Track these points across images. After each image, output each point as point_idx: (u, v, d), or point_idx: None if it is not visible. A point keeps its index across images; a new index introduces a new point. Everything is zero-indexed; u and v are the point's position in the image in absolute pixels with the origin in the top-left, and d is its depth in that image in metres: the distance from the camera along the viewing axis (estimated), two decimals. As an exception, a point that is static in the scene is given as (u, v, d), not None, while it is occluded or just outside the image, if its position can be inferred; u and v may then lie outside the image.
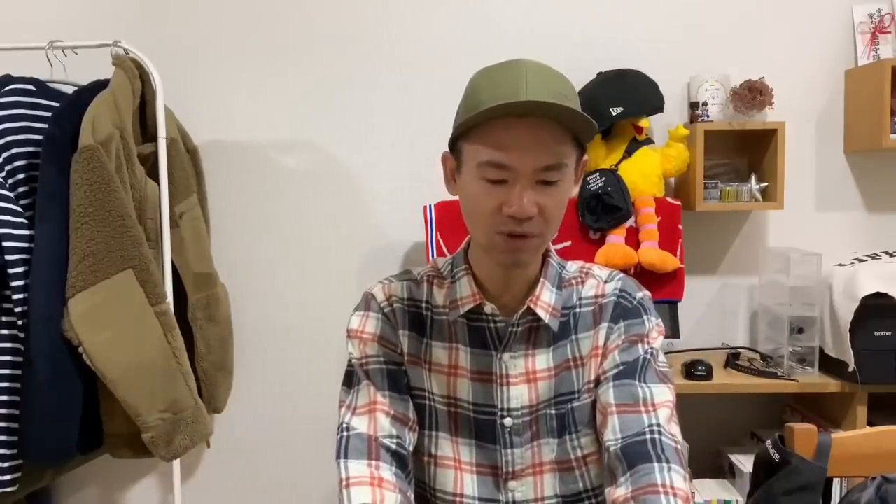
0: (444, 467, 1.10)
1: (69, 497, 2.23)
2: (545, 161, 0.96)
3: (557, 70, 0.99)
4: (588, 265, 1.15)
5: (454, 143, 1.03)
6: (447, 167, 1.07)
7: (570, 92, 0.98)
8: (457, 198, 1.07)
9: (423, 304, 1.12)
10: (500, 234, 0.99)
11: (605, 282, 1.12)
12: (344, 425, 1.08)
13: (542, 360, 1.08)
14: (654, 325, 1.09)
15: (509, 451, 1.08)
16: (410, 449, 1.09)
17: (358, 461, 1.03)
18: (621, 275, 1.13)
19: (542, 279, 1.09)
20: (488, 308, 1.08)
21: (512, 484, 1.09)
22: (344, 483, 1.02)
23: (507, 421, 1.08)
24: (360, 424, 1.07)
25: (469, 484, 1.09)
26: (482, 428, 1.09)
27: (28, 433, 1.70)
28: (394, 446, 1.06)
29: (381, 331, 1.11)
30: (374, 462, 1.03)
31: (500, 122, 0.95)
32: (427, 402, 1.11)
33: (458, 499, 1.09)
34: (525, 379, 1.08)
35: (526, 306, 1.07)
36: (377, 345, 1.10)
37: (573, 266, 1.15)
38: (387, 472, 1.03)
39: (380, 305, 1.12)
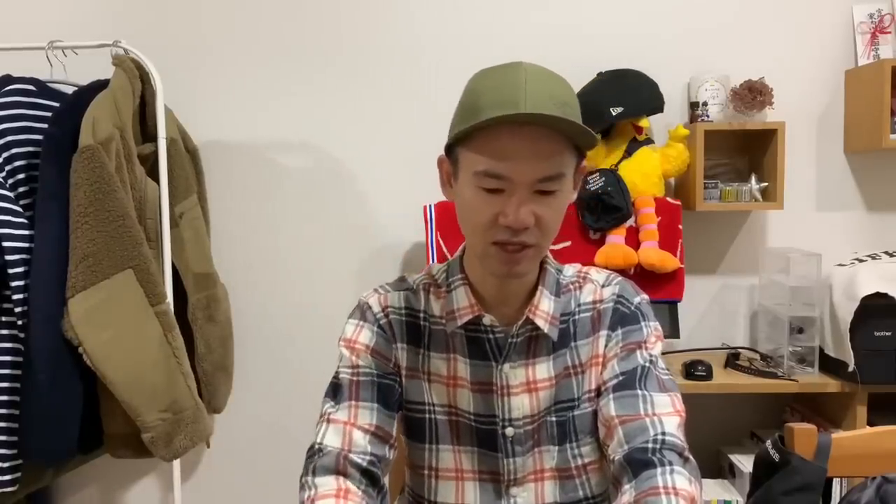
0: (445, 479, 1.09)
1: (69, 497, 2.23)
2: (543, 172, 0.93)
3: (557, 74, 0.97)
4: (585, 269, 1.14)
5: (450, 148, 1.01)
6: (443, 171, 1.05)
7: (570, 98, 0.96)
8: None
9: (421, 314, 1.10)
10: (496, 245, 0.97)
11: (603, 286, 1.10)
12: (317, 446, 1.02)
13: (543, 370, 1.07)
14: (651, 331, 1.08)
15: (511, 459, 1.07)
16: (388, 463, 1.06)
17: (325, 476, 0.99)
18: (619, 278, 1.12)
19: (539, 287, 1.07)
20: (487, 319, 1.06)
21: (514, 490, 1.08)
22: (309, 500, 0.97)
23: (509, 430, 1.07)
24: (334, 441, 1.02)
25: (471, 492, 1.08)
26: (484, 437, 1.08)
27: (28, 433, 1.70)
28: (365, 464, 1.01)
29: (375, 343, 1.08)
30: (341, 477, 0.99)
31: (498, 131, 0.92)
32: (427, 415, 1.09)
33: None
34: (526, 389, 1.07)
35: (525, 316, 1.05)
36: (370, 357, 1.07)
37: (570, 270, 1.13)
38: (353, 485, 0.99)
39: (376, 316, 1.10)
